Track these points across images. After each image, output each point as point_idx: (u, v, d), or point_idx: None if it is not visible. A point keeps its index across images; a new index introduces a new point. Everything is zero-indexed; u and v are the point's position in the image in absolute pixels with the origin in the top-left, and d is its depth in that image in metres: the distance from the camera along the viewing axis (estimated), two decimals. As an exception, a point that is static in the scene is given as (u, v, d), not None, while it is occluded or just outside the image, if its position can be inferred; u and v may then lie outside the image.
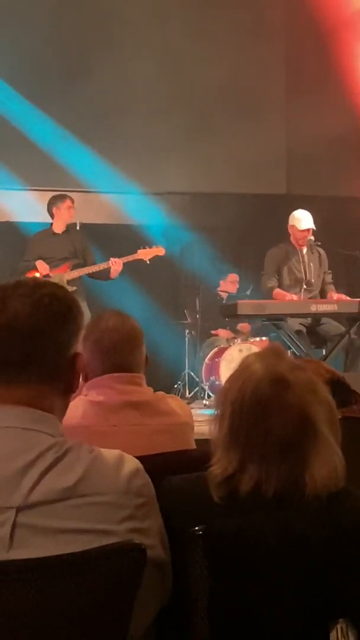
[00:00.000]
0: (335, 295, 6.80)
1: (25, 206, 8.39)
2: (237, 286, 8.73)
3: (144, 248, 7.08)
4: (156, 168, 8.53)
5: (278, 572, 1.55)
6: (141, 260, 7.05)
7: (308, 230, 6.79)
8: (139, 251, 7.05)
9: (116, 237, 8.19)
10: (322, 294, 6.93)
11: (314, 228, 6.80)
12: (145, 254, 7.05)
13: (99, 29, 8.55)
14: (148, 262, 7.07)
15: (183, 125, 8.71)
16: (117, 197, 8.91)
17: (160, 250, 7.14)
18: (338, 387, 2.67)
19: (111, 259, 6.92)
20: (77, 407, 2.33)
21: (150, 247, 7.11)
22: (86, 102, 8.28)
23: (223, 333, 8.38)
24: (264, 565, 1.55)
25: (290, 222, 6.88)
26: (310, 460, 1.60)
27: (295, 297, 6.72)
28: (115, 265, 6.89)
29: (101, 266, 6.95)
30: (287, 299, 6.65)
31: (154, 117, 8.61)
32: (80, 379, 1.82)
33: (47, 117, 8.40)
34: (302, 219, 6.82)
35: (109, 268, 6.92)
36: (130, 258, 7.01)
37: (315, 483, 1.59)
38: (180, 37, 8.58)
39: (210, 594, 1.52)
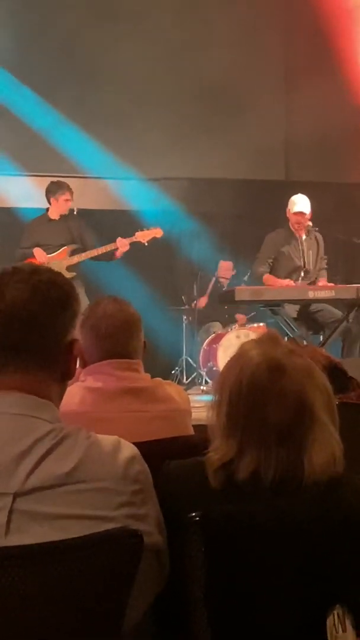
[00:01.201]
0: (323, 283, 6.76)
1: (24, 192, 8.36)
2: (233, 272, 8.73)
3: (142, 230, 7.07)
4: (154, 154, 8.49)
5: (276, 558, 1.55)
6: (139, 242, 7.02)
7: (301, 214, 6.65)
8: (136, 233, 7.02)
9: (114, 223, 8.15)
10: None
11: (306, 212, 6.67)
12: (143, 236, 7.02)
13: (99, 17, 8.49)
14: (146, 244, 7.04)
15: (181, 110, 8.69)
16: (115, 183, 8.89)
17: (158, 232, 7.10)
18: (335, 373, 2.67)
19: (118, 239, 6.90)
20: (75, 394, 2.32)
21: (148, 229, 7.10)
22: (85, 88, 8.26)
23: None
24: (261, 551, 1.55)
25: (288, 206, 6.82)
26: (308, 446, 1.60)
27: (287, 283, 6.67)
28: (122, 247, 6.87)
29: (105, 249, 6.92)
30: (277, 284, 6.62)
31: (152, 103, 8.59)
32: (78, 365, 1.82)
33: (46, 103, 8.37)
34: (297, 203, 6.71)
35: (113, 250, 6.91)
36: (128, 241, 6.99)
37: (313, 469, 1.59)
38: (180, 23, 8.53)
39: (207, 580, 1.52)
